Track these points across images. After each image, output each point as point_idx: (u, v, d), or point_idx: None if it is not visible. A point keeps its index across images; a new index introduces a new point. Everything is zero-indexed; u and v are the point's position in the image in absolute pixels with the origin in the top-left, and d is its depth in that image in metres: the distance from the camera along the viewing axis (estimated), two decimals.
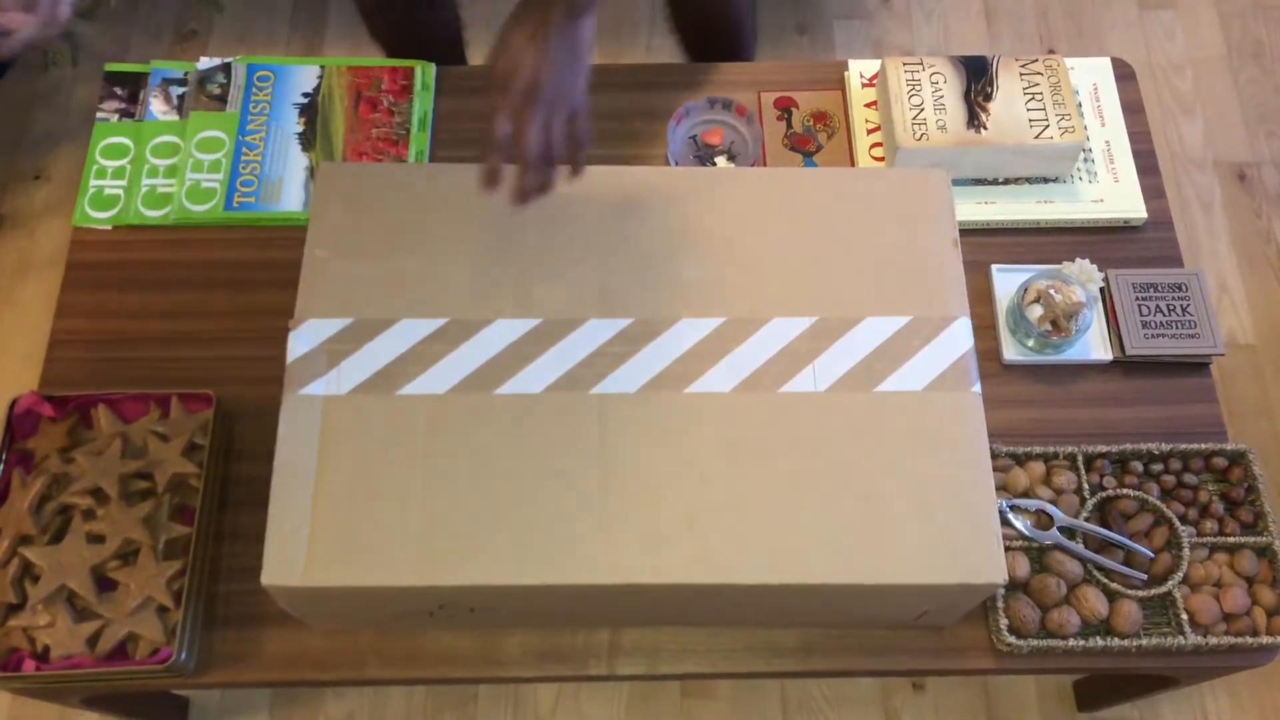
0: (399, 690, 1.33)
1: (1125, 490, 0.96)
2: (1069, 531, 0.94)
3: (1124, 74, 1.19)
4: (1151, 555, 0.93)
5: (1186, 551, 0.93)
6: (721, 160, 1.12)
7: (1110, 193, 1.11)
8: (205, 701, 1.31)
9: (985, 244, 1.09)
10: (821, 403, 0.82)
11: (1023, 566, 0.92)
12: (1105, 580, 0.92)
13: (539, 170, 0.79)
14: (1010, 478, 0.96)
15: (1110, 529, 0.94)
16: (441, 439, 0.80)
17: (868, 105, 1.16)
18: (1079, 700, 1.33)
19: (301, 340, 0.83)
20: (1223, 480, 0.99)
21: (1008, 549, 0.92)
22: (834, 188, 0.91)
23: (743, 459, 0.80)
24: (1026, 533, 0.93)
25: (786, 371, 0.83)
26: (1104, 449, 0.97)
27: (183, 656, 0.87)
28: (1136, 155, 1.14)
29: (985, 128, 1.07)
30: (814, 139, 1.15)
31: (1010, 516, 0.93)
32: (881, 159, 1.12)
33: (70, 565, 0.88)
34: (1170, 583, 0.92)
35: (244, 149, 1.12)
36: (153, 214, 1.10)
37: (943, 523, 0.79)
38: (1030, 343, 1.03)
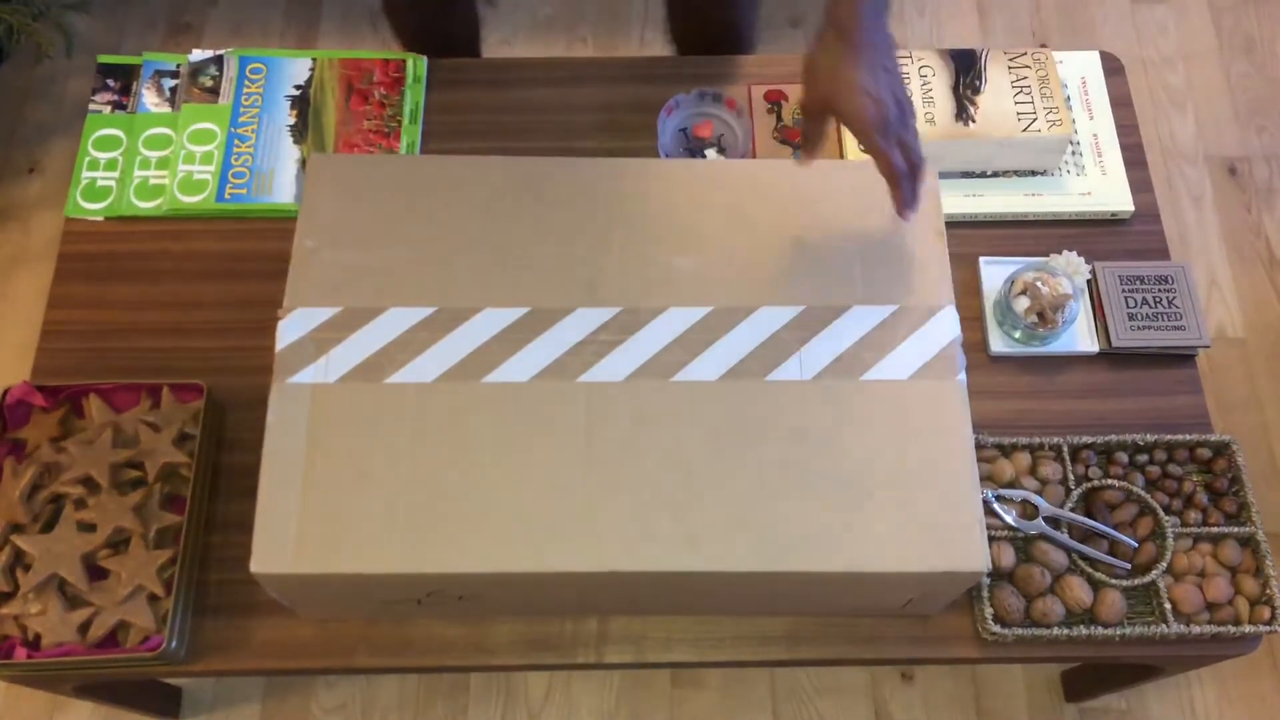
0: (391, 680, 1.33)
1: (1110, 481, 0.96)
2: (1054, 521, 0.94)
3: (1112, 68, 1.20)
4: (1136, 545, 0.94)
5: (1170, 541, 0.94)
6: (711, 153, 1.13)
7: (1098, 186, 1.12)
8: (198, 691, 1.32)
9: (973, 236, 1.10)
10: (807, 391, 0.83)
11: (1008, 556, 0.93)
12: (1090, 570, 0.93)
13: (923, 171, 0.85)
14: (996, 468, 0.96)
15: (1095, 519, 0.95)
16: (429, 427, 0.80)
17: None
18: (1066, 690, 1.34)
19: (290, 329, 0.83)
20: (1207, 471, 0.99)
21: (993, 539, 0.93)
22: (822, 179, 0.92)
23: (729, 447, 0.81)
24: (1012, 523, 0.93)
25: (773, 360, 0.83)
26: (1089, 440, 0.98)
27: (173, 645, 0.87)
28: (1124, 149, 1.14)
29: (973, 121, 1.08)
30: None
31: (996, 506, 0.94)
32: None
33: (62, 553, 0.89)
34: (1154, 572, 0.93)
35: (236, 141, 1.12)
36: (145, 205, 1.10)
37: (927, 510, 0.79)
38: (1017, 334, 1.04)
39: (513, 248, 0.87)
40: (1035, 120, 1.08)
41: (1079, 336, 1.04)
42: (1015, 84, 1.11)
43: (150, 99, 1.15)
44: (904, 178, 0.83)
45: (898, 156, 0.82)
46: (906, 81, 1.09)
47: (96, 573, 0.90)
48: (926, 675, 1.36)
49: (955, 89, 1.10)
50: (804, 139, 0.87)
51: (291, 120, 1.14)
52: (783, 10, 1.86)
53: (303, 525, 0.78)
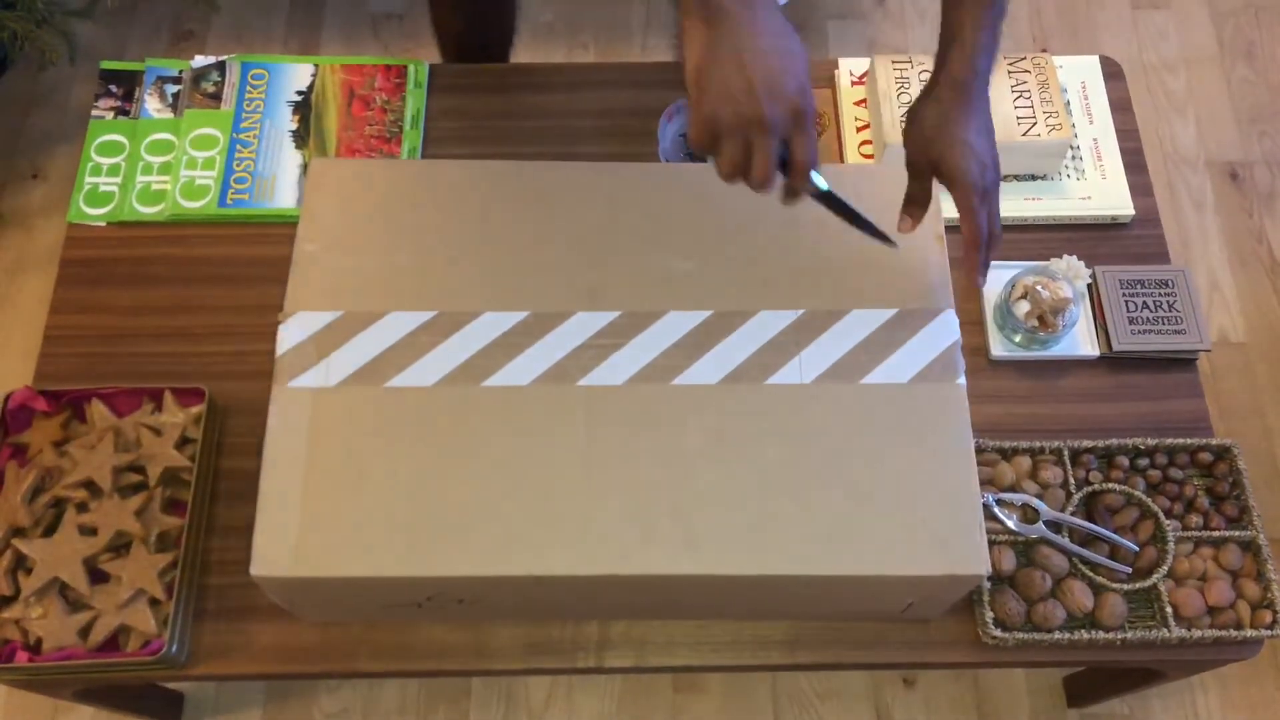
0: (392, 684, 1.33)
1: (1111, 485, 0.96)
2: (1055, 525, 0.94)
3: (1112, 72, 1.20)
4: (1137, 549, 0.94)
5: (1171, 545, 0.94)
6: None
7: (1098, 190, 1.12)
8: (199, 696, 1.32)
9: None
10: (807, 394, 0.83)
11: (1009, 560, 0.93)
12: (1090, 574, 0.93)
13: (1000, 242, 0.84)
14: (997, 472, 0.96)
15: (1096, 523, 0.95)
16: (429, 431, 0.80)
17: (857, 103, 1.16)
18: (1069, 696, 1.33)
19: (291, 333, 0.84)
20: (1208, 475, 0.99)
21: (994, 543, 0.93)
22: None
23: (729, 450, 0.81)
24: (1012, 527, 0.93)
25: (773, 363, 0.84)
26: (1090, 444, 0.98)
27: (174, 648, 0.88)
28: (1124, 153, 1.15)
29: None
30: None
31: (996, 510, 0.94)
32: (871, 156, 1.13)
33: (63, 557, 0.89)
34: (1155, 576, 0.93)
35: (238, 146, 1.13)
36: (147, 211, 1.10)
37: (927, 514, 0.79)
38: (1017, 338, 1.04)
39: (513, 252, 0.87)
40: (1035, 125, 1.08)
41: (1079, 340, 1.05)
42: (1015, 88, 1.11)
43: (153, 105, 1.16)
44: (984, 244, 0.82)
45: (985, 221, 0.81)
46: (907, 89, 1.10)
47: (97, 576, 0.90)
48: (928, 680, 1.35)
49: None
50: (908, 200, 0.84)
51: (293, 126, 1.14)
52: (787, 17, 1.86)
53: (303, 529, 0.78)
